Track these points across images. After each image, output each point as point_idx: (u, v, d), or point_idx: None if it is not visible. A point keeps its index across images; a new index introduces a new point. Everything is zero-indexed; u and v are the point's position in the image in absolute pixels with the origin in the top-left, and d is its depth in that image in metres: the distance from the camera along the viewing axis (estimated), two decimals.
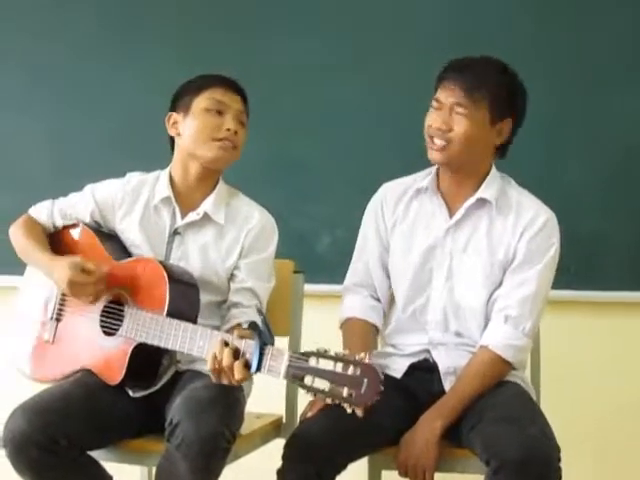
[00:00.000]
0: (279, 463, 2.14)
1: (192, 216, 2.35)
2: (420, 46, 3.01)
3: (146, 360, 2.20)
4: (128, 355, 2.17)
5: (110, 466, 2.23)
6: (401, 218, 2.38)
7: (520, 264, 2.28)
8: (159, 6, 3.21)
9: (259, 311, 2.10)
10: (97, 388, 2.20)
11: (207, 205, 2.35)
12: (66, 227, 2.42)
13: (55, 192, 2.47)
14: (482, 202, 2.31)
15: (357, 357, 1.86)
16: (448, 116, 2.25)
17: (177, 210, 2.36)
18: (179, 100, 2.37)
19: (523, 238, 2.28)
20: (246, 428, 2.31)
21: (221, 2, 3.19)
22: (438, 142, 2.26)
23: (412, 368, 2.33)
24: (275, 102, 3.09)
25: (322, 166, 3.09)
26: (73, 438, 2.08)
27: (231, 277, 2.34)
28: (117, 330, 2.21)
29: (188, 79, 2.40)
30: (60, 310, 2.34)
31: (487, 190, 2.31)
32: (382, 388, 1.85)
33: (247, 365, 1.96)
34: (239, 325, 2.22)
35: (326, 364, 1.87)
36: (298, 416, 2.32)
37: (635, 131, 2.92)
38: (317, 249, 3.08)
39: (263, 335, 1.95)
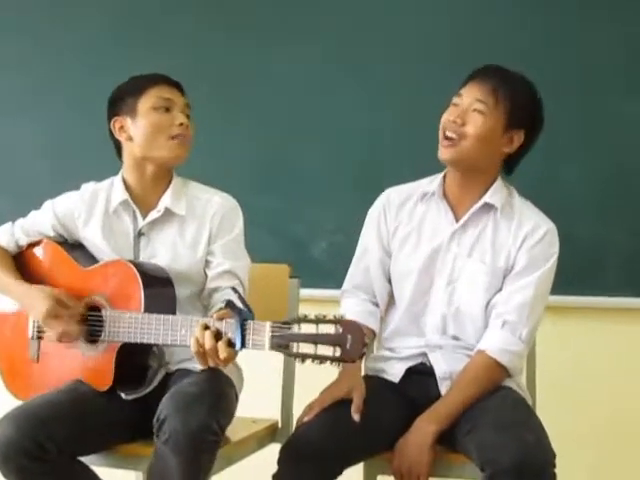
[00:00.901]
0: (275, 468, 2.13)
1: (153, 214, 2.35)
2: (420, 52, 3.02)
3: (133, 360, 2.19)
4: (114, 358, 2.16)
5: (103, 471, 2.21)
6: (405, 222, 2.37)
7: (520, 271, 2.28)
8: (159, 9, 3.23)
9: (233, 289, 2.09)
10: (87, 393, 2.19)
11: (166, 200, 2.34)
12: (31, 245, 2.40)
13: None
14: (488, 207, 2.32)
15: (337, 315, 1.87)
16: (465, 112, 2.26)
17: (137, 212, 2.36)
18: (120, 104, 2.35)
19: (524, 246, 2.28)
20: (242, 433, 2.31)
21: (221, 5, 3.20)
22: (449, 135, 2.26)
23: (409, 372, 2.31)
24: (272, 105, 3.09)
25: (319, 171, 3.09)
26: (62, 444, 2.06)
27: (206, 264, 2.33)
28: (99, 336, 2.21)
29: (123, 82, 2.38)
30: (40, 328, 2.31)
31: (494, 196, 2.31)
32: (367, 341, 1.88)
33: (231, 344, 1.97)
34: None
35: (308, 328, 1.88)
36: (294, 421, 2.30)
37: (634, 134, 2.91)
38: (313, 254, 3.07)
39: (242, 312, 1.96)
